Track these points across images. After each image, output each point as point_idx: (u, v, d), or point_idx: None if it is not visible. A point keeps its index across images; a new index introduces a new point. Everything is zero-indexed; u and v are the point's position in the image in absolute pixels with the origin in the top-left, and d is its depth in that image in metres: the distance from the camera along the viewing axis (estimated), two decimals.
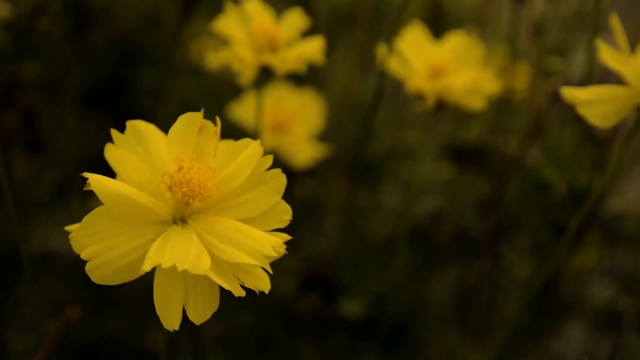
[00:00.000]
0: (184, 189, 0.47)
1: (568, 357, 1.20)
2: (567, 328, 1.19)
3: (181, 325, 0.47)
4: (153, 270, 0.45)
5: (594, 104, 0.60)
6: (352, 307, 1.06)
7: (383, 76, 0.84)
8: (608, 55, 0.59)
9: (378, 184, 1.27)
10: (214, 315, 0.48)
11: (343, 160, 1.12)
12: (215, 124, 0.51)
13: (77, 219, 0.50)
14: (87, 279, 1.17)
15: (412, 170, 1.20)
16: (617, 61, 0.59)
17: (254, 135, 0.82)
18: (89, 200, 1.12)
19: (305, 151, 1.02)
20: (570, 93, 0.61)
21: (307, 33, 0.83)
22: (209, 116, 0.52)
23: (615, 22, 0.61)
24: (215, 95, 1.33)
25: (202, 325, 0.47)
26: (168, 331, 0.47)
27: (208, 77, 1.35)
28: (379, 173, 1.27)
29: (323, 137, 1.09)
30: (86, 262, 0.46)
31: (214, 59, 0.77)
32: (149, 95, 1.31)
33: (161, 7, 1.35)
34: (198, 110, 0.51)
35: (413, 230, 1.04)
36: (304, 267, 1.10)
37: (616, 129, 0.97)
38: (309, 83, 1.12)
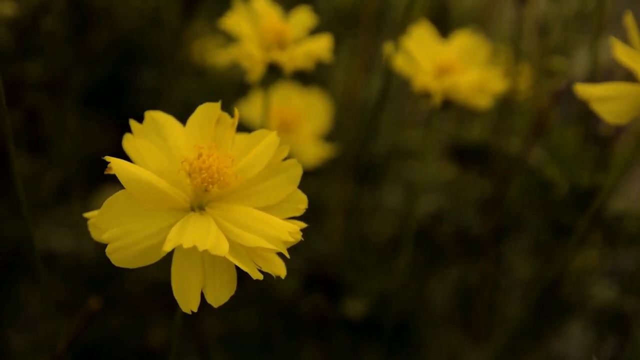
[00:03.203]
0: (204, 175, 0.48)
1: (569, 358, 1.20)
2: (569, 328, 1.19)
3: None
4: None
5: (608, 100, 0.60)
6: (354, 307, 1.06)
7: (389, 75, 0.84)
8: (622, 53, 0.59)
9: (379, 183, 1.27)
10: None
11: (346, 160, 1.12)
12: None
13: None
14: (88, 278, 1.15)
15: (417, 170, 1.20)
16: (631, 59, 0.59)
17: None
18: (91, 200, 1.12)
19: (311, 150, 1.02)
20: (584, 89, 0.61)
21: (310, 33, 0.83)
22: None
23: (629, 20, 0.61)
24: (216, 95, 1.32)
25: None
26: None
27: (209, 77, 1.35)
28: (381, 173, 1.27)
29: (326, 137, 1.08)
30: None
31: (223, 56, 0.78)
32: (150, 95, 1.31)
33: (162, 8, 1.35)
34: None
35: (415, 230, 1.04)
36: (307, 267, 1.10)
37: (619, 128, 0.98)
38: (312, 83, 1.12)
